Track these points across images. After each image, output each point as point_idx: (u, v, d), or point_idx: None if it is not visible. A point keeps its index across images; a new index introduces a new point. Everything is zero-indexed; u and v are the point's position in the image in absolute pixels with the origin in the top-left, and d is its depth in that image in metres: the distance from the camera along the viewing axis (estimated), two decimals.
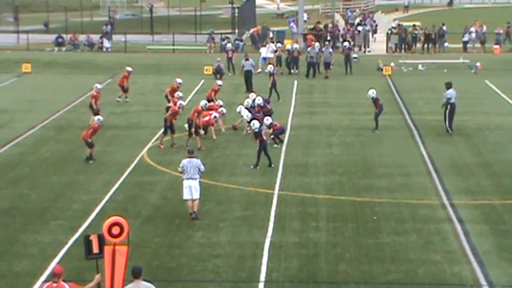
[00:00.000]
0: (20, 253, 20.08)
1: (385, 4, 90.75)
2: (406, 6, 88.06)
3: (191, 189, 22.28)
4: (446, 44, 60.70)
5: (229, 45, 53.67)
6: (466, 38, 60.77)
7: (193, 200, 22.34)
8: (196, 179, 22.40)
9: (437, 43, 60.53)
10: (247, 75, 43.67)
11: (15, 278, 18.58)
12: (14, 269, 19.08)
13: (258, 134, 28.16)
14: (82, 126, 31.42)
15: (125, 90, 40.51)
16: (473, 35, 61.12)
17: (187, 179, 22.37)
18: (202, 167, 22.62)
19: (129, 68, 41.34)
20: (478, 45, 61.13)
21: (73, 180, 26.57)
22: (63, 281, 14.49)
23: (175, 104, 32.31)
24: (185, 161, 22.59)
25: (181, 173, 22.63)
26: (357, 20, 69.14)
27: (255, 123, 28.65)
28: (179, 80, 37.50)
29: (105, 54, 61.03)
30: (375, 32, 67.72)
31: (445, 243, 20.66)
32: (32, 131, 34.00)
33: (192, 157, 22.69)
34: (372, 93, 33.54)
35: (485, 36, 61.20)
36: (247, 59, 44.99)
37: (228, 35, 63.60)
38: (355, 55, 56.37)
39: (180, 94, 34.62)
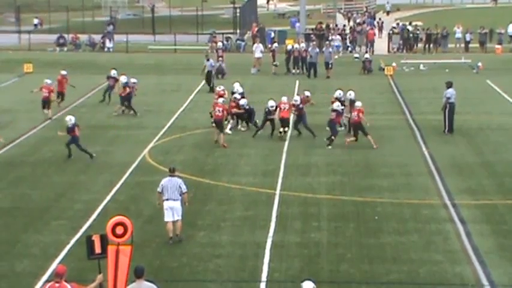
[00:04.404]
0: (22, 253, 20.09)
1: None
2: (388, 11, 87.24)
3: (173, 211, 20.47)
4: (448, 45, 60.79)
5: (219, 44, 53.65)
6: (468, 38, 60.73)
7: (174, 222, 20.59)
8: (177, 199, 20.51)
9: (440, 44, 60.50)
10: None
11: (17, 278, 18.58)
12: (16, 269, 19.09)
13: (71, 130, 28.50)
14: (83, 126, 31.31)
15: (62, 95, 38.15)
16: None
17: (167, 199, 20.45)
18: (184, 187, 20.62)
19: (63, 72, 38.88)
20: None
21: (74, 180, 26.58)
22: (65, 281, 14.48)
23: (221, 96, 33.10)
24: (165, 181, 20.68)
25: (159, 193, 20.66)
26: (362, 20, 69.01)
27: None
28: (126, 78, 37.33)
29: (107, 54, 60.96)
30: (380, 29, 67.51)
31: (447, 243, 20.66)
32: (33, 131, 34.00)
33: (173, 176, 20.82)
34: (349, 94, 33.81)
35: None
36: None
37: (229, 35, 63.56)
38: (356, 55, 56.35)
39: (240, 90, 34.56)
